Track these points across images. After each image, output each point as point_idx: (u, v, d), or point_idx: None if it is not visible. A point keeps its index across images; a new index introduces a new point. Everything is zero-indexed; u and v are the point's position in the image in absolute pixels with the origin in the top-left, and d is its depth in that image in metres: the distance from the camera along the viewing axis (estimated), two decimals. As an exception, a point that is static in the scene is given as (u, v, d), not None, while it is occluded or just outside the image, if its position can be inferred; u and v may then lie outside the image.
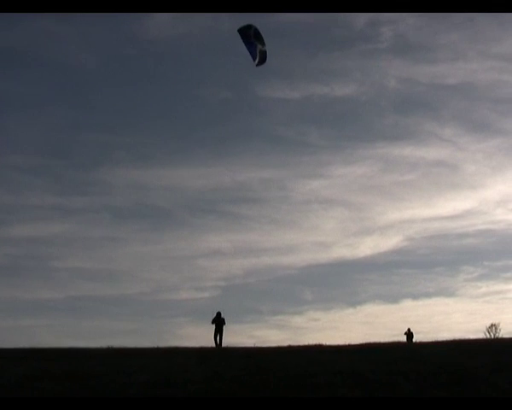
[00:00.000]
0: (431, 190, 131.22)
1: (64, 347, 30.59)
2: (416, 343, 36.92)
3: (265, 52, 29.00)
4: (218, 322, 33.87)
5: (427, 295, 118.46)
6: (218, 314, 33.99)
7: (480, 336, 57.19)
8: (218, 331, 33.84)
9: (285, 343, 33.42)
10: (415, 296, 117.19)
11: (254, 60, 28.99)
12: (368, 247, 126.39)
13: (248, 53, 28.90)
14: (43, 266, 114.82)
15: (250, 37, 28.66)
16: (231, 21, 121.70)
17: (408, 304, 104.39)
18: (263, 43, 28.81)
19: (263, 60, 29.20)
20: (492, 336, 62.80)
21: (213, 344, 33.39)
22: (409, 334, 42.66)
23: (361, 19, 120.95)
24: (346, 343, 32.11)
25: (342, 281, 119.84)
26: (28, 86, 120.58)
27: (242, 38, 28.76)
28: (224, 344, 33.56)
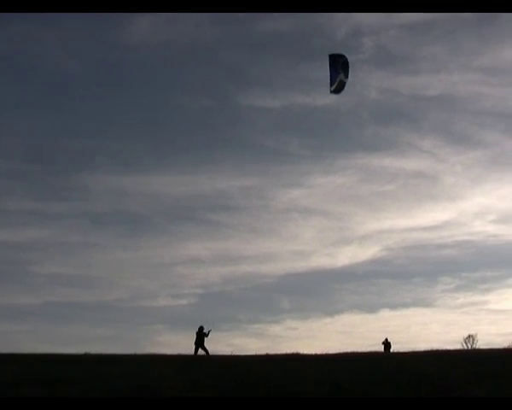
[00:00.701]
0: (410, 200, 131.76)
1: (41, 352, 30.46)
2: (393, 353, 37.09)
3: (345, 84, 29.23)
4: (198, 337, 34.17)
5: (405, 305, 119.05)
6: (200, 329, 34.30)
7: (458, 346, 57.45)
8: (199, 345, 34.08)
9: (262, 352, 33.52)
10: (392, 306, 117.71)
11: (331, 86, 29.23)
12: (346, 256, 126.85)
13: (329, 78, 29.19)
14: (21, 271, 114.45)
15: (338, 64, 28.97)
16: (213, 30, 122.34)
17: (386, 314, 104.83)
18: (346, 76, 29.05)
19: (339, 90, 29.46)
20: (469, 347, 63.15)
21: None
22: (386, 344, 42.84)
23: (342, 29, 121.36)
24: (324, 352, 32.20)
25: (320, 290, 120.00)
26: (8, 90, 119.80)
27: (330, 63, 29.11)
28: (200, 353, 33.88)
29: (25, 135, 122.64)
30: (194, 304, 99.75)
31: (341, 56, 29.32)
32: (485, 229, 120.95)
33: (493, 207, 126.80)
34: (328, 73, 29.47)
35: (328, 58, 29.40)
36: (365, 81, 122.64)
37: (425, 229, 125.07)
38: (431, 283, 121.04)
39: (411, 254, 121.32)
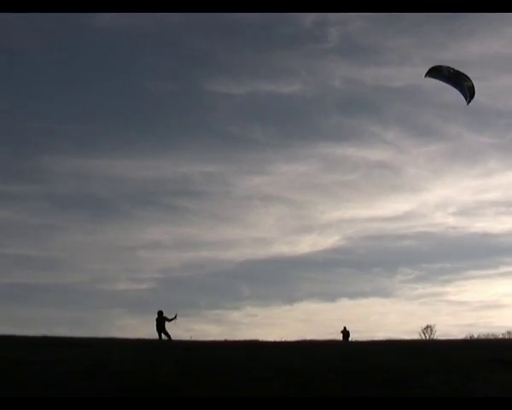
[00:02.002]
0: (372, 191, 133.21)
1: (-1, 334, 30.18)
2: (351, 342, 37.35)
3: (472, 86, 28.64)
4: (158, 322, 34.08)
5: (364, 294, 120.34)
6: (159, 313, 34.15)
7: (416, 337, 58.10)
8: (160, 330, 33.96)
9: (221, 338, 33.54)
10: (351, 296, 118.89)
11: (466, 99, 28.75)
12: (307, 245, 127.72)
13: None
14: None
15: (449, 78, 28.42)
16: (179, 15, 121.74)
17: (344, 303, 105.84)
18: (466, 79, 28.49)
19: (472, 96, 28.93)
20: (428, 338, 63.82)
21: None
22: (345, 332, 43.16)
23: (308, 18, 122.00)
24: (283, 340, 32.30)
25: (280, 278, 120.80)
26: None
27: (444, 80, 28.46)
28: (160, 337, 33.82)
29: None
30: (153, 289, 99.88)
31: (439, 69, 28.65)
32: (445, 221, 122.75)
33: (454, 199, 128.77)
34: None
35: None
36: (330, 71, 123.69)
37: (386, 219, 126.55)
38: (390, 273, 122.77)
39: (371, 244, 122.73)
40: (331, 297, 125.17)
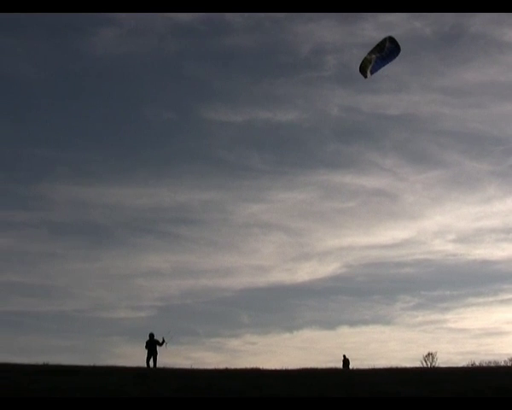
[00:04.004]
0: (370, 218, 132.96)
1: (-2, 362, 30.03)
2: (352, 370, 37.14)
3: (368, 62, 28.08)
4: (150, 345, 33.42)
5: (364, 322, 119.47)
6: (151, 336, 33.59)
7: (417, 364, 57.85)
8: (151, 354, 33.38)
9: (221, 366, 33.31)
10: (351, 323, 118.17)
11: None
12: (306, 272, 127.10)
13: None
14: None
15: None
16: (177, 43, 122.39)
17: (344, 331, 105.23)
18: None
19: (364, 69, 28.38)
20: (429, 365, 63.52)
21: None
22: (345, 360, 42.96)
23: (306, 46, 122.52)
24: (283, 368, 32.13)
25: (280, 305, 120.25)
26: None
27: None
28: (159, 365, 33.21)
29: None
30: (153, 316, 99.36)
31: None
32: (444, 248, 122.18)
33: (452, 226, 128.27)
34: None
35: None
36: (327, 98, 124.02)
37: (385, 247, 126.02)
38: (390, 300, 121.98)
39: (371, 272, 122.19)
40: (331, 325, 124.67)
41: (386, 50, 27.92)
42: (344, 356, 43.27)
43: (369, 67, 28.31)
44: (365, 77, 28.51)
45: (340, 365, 42.33)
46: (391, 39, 27.81)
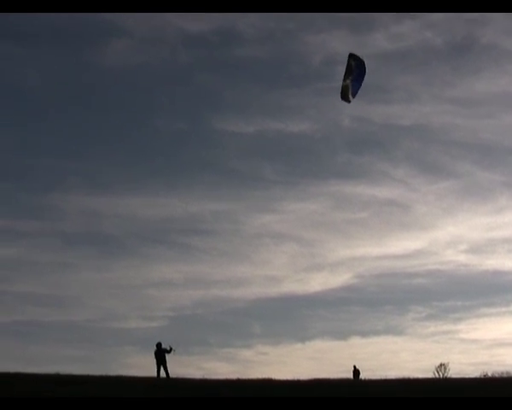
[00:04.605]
0: (382, 228, 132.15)
1: (9, 371, 30.07)
2: (364, 380, 37.03)
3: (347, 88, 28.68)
4: (159, 354, 33.34)
5: (376, 332, 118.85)
6: (158, 346, 33.49)
7: (429, 375, 57.58)
8: (161, 364, 33.31)
9: (233, 376, 33.21)
10: (363, 334, 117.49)
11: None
12: (318, 283, 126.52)
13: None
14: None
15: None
16: (188, 53, 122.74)
17: (356, 341, 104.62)
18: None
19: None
20: (441, 376, 63.25)
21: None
22: (355, 371, 42.88)
23: (317, 57, 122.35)
24: (295, 378, 32.07)
25: (291, 316, 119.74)
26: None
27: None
28: (172, 375, 33.10)
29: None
30: (164, 327, 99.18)
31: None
32: (456, 258, 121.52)
33: (465, 237, 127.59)
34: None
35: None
36: (339, 109, 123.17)
37: (396, 257, 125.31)
38: (402, 311, 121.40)
39: (383, 282, 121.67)
40: (343, 335, 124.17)
41: (355, 69, 28.57)
42: (354, 367, 43.18)
43: (349, 92, 28.78)
44: (348, 102, 29.07)
45: (350, 375, 42.27)
46: (352, 56, 28.41)
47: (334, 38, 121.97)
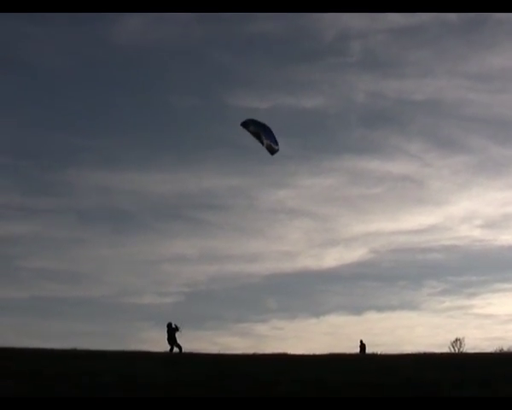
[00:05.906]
0: (396, 204, 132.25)
1: (27, 347, 30.32)
2: (380, 355, 37.08)
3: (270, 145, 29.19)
4: (169, 333, 34.16)
5: (391, 307, 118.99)
6: (169, 326, 34.21)
7: (445, 350, 57.58)
8: (172, 342, 34.00)
9: (248, 351, 33.42)
10: (378, 309, 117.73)
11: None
12: (332, 258, 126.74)
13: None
14: (7, 265, 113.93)
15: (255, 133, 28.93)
16: (201, 30, 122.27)
17: (371, 316, 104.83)
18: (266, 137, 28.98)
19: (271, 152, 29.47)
20: (457, 351, 63.23)
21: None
22: (361, 345, 43.04)
23: (330, 32, 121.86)
24: (311, 353, 32.18)
25: (306, 291, 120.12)
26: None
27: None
28: (186, 350, 33.73)
29: (11, 130, 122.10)
30: (179, 302, 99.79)
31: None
32: (471, 234, 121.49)
33: (479, 212, 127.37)
34: None
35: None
36: (353, 84, 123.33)
37: (411, 232, 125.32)
38: (417, 286, 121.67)
39: (397, 258, 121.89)
40: (358, 310, 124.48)
41: (258, 130, 29.80)
42: (361, 341, 43.38)
43: (272, 146, 29.94)
44: (276, 151, 30.22)
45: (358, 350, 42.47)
46: (245, 125, 29.87)
47: (346, 13, 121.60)
